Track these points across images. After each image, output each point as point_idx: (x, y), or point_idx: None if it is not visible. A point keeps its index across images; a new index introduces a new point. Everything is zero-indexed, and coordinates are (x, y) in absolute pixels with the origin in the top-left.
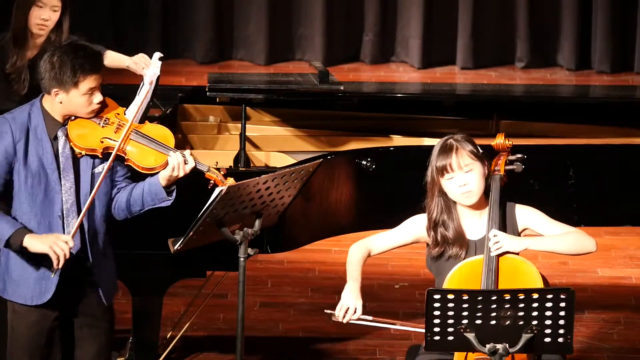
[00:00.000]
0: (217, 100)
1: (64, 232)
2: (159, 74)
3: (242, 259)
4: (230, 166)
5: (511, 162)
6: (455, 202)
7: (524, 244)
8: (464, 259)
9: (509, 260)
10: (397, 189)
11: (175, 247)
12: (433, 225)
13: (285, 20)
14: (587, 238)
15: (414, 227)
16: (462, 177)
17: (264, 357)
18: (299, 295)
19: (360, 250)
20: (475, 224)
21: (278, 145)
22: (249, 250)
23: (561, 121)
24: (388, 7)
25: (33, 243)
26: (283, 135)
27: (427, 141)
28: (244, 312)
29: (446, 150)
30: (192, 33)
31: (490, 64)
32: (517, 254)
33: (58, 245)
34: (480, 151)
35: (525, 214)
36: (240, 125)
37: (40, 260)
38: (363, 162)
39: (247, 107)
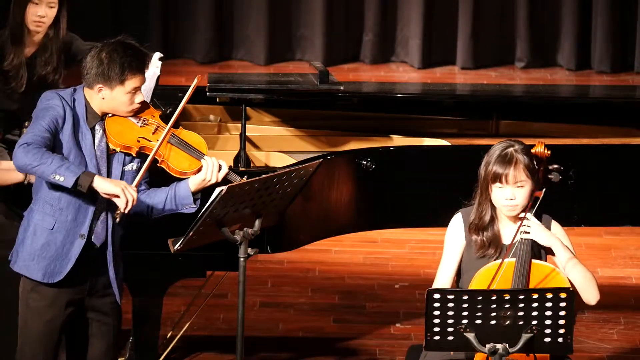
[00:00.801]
0: (217, 100)
1: (92, 221)
2: (159, 74)
3: (242, 259)
4: (230, 166)
5: (549, 172)
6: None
7: (550, 242)
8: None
9: (541, 267)
10: (397, 189)
11: (175, 247)
12: (481, 228)
13: (285, 20)
14: (596, 288)
15: (457, 239)
16: (511, 190)
17: (264, 357)
18: (299, 295)
19: None
20: (510, 227)
21: (278, 145)
22: (249, 250)
23: (561, 121)
24: (388, 7)
25: (104, 184)
26: (283, 135)
27: (427, 141)
28: (244, 312)
29: (505, 160)
30: (192, 33)
31: (490, 64)
32: (541, 250)
33: (129, 190)
34: (536, 167)
35: (558, 234)
36: (240, 125)
37: (61, 241)
38: (363, 162)
39: (247, 107)
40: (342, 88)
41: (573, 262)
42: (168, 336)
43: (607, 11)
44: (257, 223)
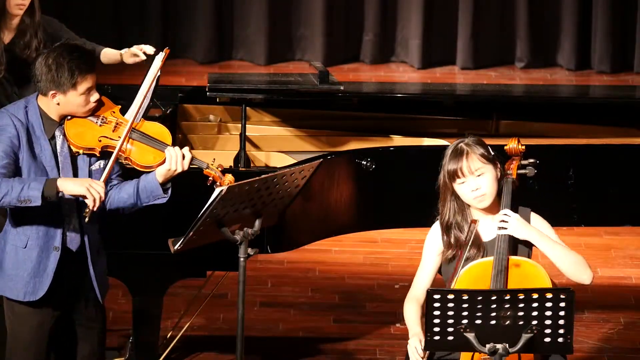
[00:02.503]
0: (217, 100)
1: (63, 230)
2: (159, 74)
3: (242, 259)
4: (231, 166)
5: (524, 167)
6: (469, 205)
7: (529, 235)
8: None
9: (519, 263)
10: (397, 189)
11: (175, 247)
12: (446, 228)
13: (285, 20)
14: (587, 267)
15: (435, 246)
16: (474, 181)
17: (264, 357)
18: (299, 295)
19: (413, 306)
20: (487, 225)
21: (278, 145)
22: (249, 250)
23: (561, 121)
24: (388, 7)
25: (68, 185)
26: (283, 135)
27: (427, 141)
28: (244, 312)
29: (457, 154)
30: (192, 33)
31: (490, 64)
32: (519, 245)
33: (94, 187)
34: (492, 154)
35: (538, 225)
36: (240, 125)
37: (36, 257)
38: (363, 162)
39: (247, 107)
40: (342, 88)
41: (556, 248)
42: (168, 336)
43: (607, 11)
44: (257, 223)
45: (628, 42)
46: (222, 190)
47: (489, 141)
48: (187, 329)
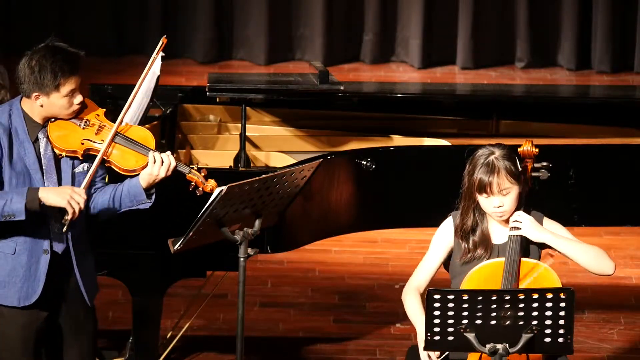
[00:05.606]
0: (217, 100)
1: (48, 232)
2: (158, 74)
3: (242, 259)
4: (230, 166)
5: (537, 169)
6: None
7: (544, 237)
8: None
9: (530, 265)
10: (397, 189)
11: (175, 247)
12: (466, 234)
13: (285, 20)
14: (607, 258)
15: (444, 241)
16: (499, 199)
17: (264, 357)
18: (299, 295)
19: (414, 297)
20: (499, 228)
21: (278, 145)
22: (249, 250)
23: (561, 121)
24: (388, 7)
25: (49, 196)
26: (283, 135)
27: (427, 141)
28: (244, 312)
29: (488, 169)
30: (192, 33)
31: (490, 64)
32: (530, 246)
33: (74, 199)
34: (519, 169)
35: (551, 227)
36: (240, 125)
37: (26, 262)
38: (363, 162)
39: (247, 107)
40: (342, 88)
41: (573, 245)
42: (168, 336)
43: (607, 11)
44: (257, 223)
45: (628, 42)
46: (222, 190)
47: (489, 141)
48: (187, 329)
